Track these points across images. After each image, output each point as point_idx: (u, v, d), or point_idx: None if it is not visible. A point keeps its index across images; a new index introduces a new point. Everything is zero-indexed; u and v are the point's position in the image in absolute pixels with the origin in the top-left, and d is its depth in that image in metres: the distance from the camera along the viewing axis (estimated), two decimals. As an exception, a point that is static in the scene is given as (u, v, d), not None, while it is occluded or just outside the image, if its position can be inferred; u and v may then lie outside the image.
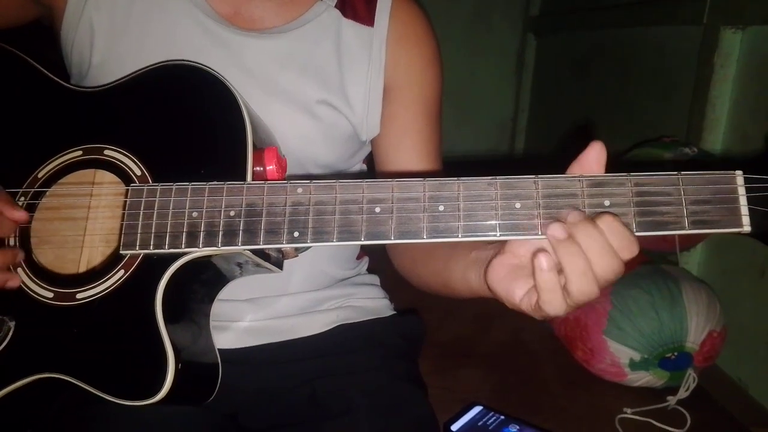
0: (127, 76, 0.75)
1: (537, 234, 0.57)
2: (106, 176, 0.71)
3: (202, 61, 0.72)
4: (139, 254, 0.66)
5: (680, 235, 1.62)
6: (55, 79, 0.79)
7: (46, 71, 0.79)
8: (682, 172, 0.56)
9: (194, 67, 0.71)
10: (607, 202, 0.56)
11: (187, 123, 0.70)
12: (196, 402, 0.72)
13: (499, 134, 3.39)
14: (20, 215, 0.70)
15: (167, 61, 0.73)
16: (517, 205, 0.57)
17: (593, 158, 0.58)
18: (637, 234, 0.56)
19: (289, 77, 0.84)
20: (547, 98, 3.15)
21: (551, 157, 2.92)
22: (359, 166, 0.97)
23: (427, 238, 0.58)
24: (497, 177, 0.58)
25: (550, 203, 0.57)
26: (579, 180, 0.57)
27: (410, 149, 0.91)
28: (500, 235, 0.58)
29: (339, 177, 0.62)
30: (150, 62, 0.74)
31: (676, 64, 1.98)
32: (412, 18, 0.89)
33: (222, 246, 0.61)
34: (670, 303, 1.47)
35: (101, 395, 0.64)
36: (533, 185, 0.58)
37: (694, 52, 1.80)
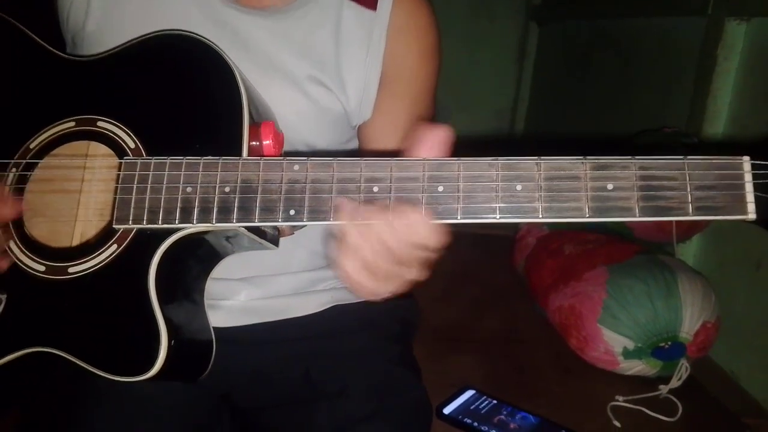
0: (122, 45, 0.73)
1: (537, 217, 0.56)
2: (99, 148, 0.70)
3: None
4: (132, 229, 0.65)
5: (678, 225, 1.63)
6: (48, 47, 0.77)
7: (39, 39, 0.77)
8: (688, 157, 0.55)
9: (190, 38, 0.69)
10: (610, 186, 0.55)
11: (182, 95, 0.69)
12: (189, 378, 0.72)
13: (498, 123, 3.38)
14: (10, 212, 0.69)
15: (162, 30, 0.71)
16: (518, 187, 0.57)
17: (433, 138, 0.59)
18: (640, 219, 0.55)
19: (286, 57, 0.83)
20: (547, 87, 3.14)
21: (551, 143, 2.91)
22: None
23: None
24: (498, 158, 0.57)
25: (552, 186, 0.56)
26: (582, 162, 0.56)
27: (392, 143, 0.89)
28: (500, 218, 0.57)
29: (336, 154, 0.61)
30: (146, 32, 0.72)
31: (678, 55, 1.97)
32: (416, 7, 0.87)
33: (216, 223, 0.61)
34: (665, 293, 1.47)
35: (93, 370, 0.64)
36: (535, 167, 0.57)
37: (698, 43, 1.79)
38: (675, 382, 1.44)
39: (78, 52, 0.85)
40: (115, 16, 0.82)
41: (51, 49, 0.77)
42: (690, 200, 0.54)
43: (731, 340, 1.58)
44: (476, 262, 2.05)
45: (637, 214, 0.55)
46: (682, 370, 1.45)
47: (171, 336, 0.63)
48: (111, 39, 0.77)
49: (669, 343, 1.47)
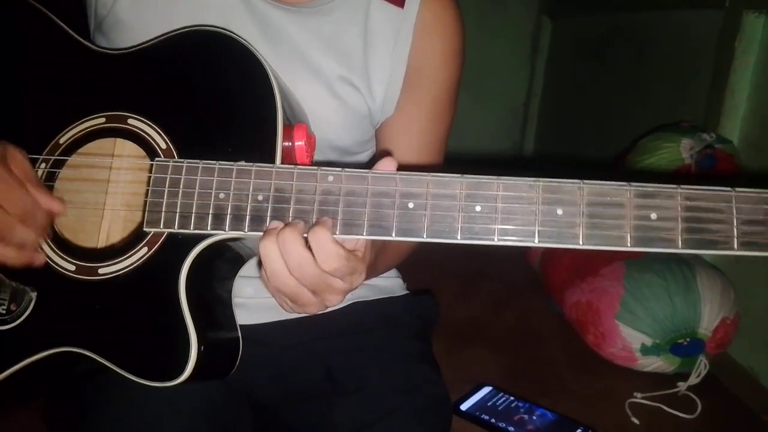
0: (154, 39, 0.72)
1: (578, 243, 0.54)
2: (126, 146, 0.69)
3: (232, 29, 0.69)
4: (164, 232, 0.65)
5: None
6: (79, 39, 0.76)
7: (70, 30, 0.76)
8: (737, 189, 0.53)
9: (223, 35, 0.68)
10: (653, 215, 0.53)
11: (214, 94, 0.68)
12: (216, 377, 0.72)
13: (510, 119, 3.37)
14: (56, 206, 0.68)
15: (196, 26, 0.70)
16: (559, 212, 0.55)
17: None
18: (682, 251, 0.54)
19: (315, 54, 0.82)
20: (560, 83, 3.12)
21: (562, 152, 2.90)
22: (370, 152, 0.95)
23: (461, 240, 0.56)
24: (539, 179, 0.56)
25: (594, 212, 0.54)
26: (627, 189, 0.54)
27: (407, 144, 0.89)
28: (539, 242, 0.55)
29: (356, 164, 0.60)
30: (178, 25, 0.71)
31: (695, 49, 1.95)
32: (444, 7, 0.86)
33: (249, 231, 0.60)
34: (684, 288, 1.47)
35: (122, 373, 0.64)
36: (578, 191, 0.55)
37: (715, 36, 1.77)
38: (694, 379, 1.44)
39: (104, 38, 0.84)
40: (146, 5, 0.81)
41: (82, 40, 0.76)
42: (736, 235, 0.52)
43: (750, 337, 1.57)
44: (491, 259, 2.05)
45: (680, 246, 0.53)
46: (701, 366, 1.45)
47: (201, 342, 0.63)
48: (139, 25, 0.77)
49: (688, 339, 1.47)
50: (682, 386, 1.45)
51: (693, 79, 1.95)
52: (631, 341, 1.50)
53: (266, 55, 0.69)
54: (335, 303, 0.63)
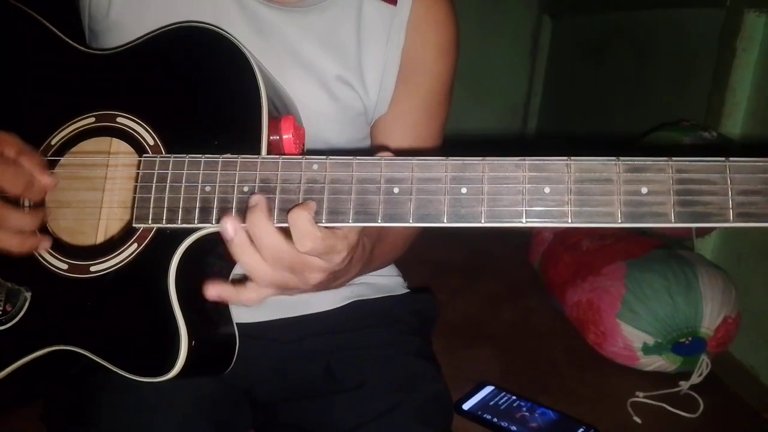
0: (140, 38, 0.73)
1: (566, 222, 0.53)
2: (122, 146, 0.70)
3: (225, 29, 0.69)
4: (152, 228, 0.65)
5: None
6: (67, 39, 0.77)
7: (57, 31, 0.77)
8: (730, 159, 0.51)
9: (208, 30, 0.68)
10: (644, 190, 0.52)
11: (199, 89, 0.68)
12: (212, 374, 0.72)
13: (510, 117, 3.37)
14: (49, 181, 0.68)
15: (180, 22, 0.71)
16: (547, 190, 0.54)
17: None
18: (675, 225, 0.52)
19: (309, 52, 0.83)
20: (561, 82, 3.11)
21: (565, 140, 2.89)
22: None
23: (447, 223, 0.55)
24: (526, 158, 0.55)
25: (582, 189, 0.53)
26: (615, 164, 0.53)
27: (401, 138, 0.89)
28: (527, 222, 0.54)
29: (353, 152, 0.60)
30: (167, 23, 0.71)
31: (695, 48, 1.95)
32: (436, 2, 0.87)
33: None
34: (685, 288, 1.46)
35: (115, 370, 0.64)
36: (565, 168, 0.54)
37: (715, 35, 1.77)
38: (696, 378, 1.44)
39: (98, 42, 0.84)
40: (138, 4, 0.82)
41: (69, 41, 0.76)
42: (731, 206, 0.50)
43: (751, 335, 1.56)
44: (492, 257, 2.05)
45: (673, 220, 0.51)
46: (703, 365, 1.44)
47: (192, 337, 0.62)
48: (134, 28, 0.77)
49: (689, 338, 1.46)
50: (684, 385, 1.44)
51: (694, 78, 1.95)
52: (632, 340, 1.50)
53: (259, 54, 0.69)
54: (317, 281, 0.62)
